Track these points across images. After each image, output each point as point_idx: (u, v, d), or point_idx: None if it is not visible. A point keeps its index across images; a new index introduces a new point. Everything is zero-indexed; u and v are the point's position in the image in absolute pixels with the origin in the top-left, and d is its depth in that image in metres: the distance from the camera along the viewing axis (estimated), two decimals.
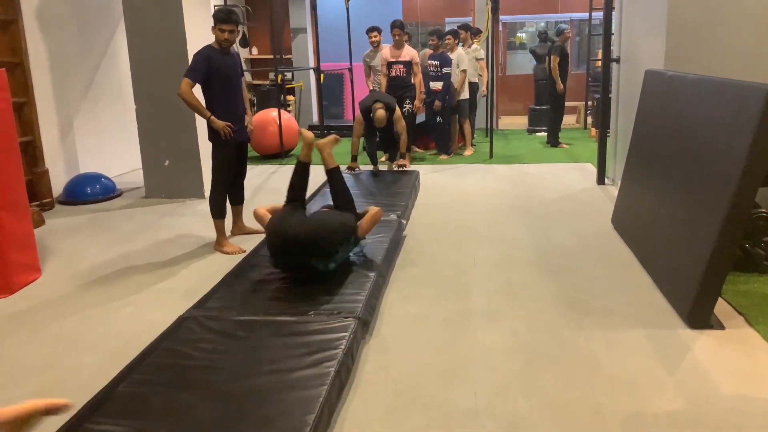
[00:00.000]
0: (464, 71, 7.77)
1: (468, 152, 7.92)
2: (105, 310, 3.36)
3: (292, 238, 3.15)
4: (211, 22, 4.16)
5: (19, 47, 5.35)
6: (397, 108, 6.08)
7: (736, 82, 2.97)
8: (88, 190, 5.86)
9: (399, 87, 7.07)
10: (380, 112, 5.83)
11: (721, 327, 2.87)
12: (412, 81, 7.11)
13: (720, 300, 3.04)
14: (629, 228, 4.18)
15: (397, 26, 6.97)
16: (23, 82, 5.38)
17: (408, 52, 7.04)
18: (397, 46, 7.04)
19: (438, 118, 7.60)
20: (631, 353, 2.70)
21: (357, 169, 6.19)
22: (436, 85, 7.44)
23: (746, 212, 2.77)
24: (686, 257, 3.05)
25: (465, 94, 7.79)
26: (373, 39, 7.47)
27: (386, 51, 7.17)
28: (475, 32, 8.92)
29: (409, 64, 7.04)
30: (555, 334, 2.92)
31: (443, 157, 7.71)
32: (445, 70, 7.48)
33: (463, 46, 8.06)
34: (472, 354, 2.75)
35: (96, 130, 6.67)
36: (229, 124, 4.12)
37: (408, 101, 7.05)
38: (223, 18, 4.10)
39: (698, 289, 2.84)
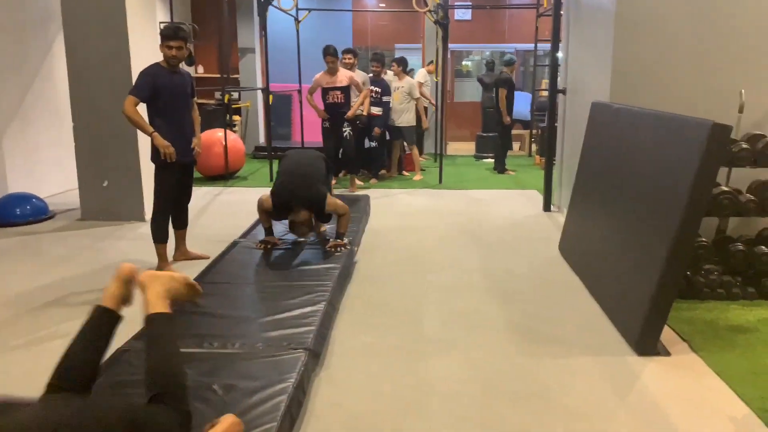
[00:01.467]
0: (418, 99, 7.89)
1: (417, 177, 7.97)
2: (34, 343, 3.12)
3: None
4: (158, 40, 4.03)
5: None
6: (329, 196, 4.26)
7: (681, 117, 3.09)
8: (18, 211, 5.50)
9: (339, 114, 6.87)
10: (303, 214, 4.10)
11: (667, 353, 2.93)
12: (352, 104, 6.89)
13: (664, 327, 3.11)
14: (576, 255, 4.25)
15: (330, 53, 6.71)
16: None
17: (344, 76, 6.82)
18: (331, 72, 6.78)
19: (373, 143, 7.64)
20: (582, 381, 2.71)
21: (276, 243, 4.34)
22: (376, 110, 7.49)
23: (692, 241, 2.85)
24: (633, 285, 3.11)
25: (412, 122, 7.88)
26: (347, 61, 7.24)
27: (320, 77, 6.88)
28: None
29: (347, 89, 6.84)
30: (508, 362, 2.90)
31: (373, 181, 7.76)
32: (385, 98, 7.59)
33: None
34: (427, 384, 2.69)
35: (27, 149, 6.32)
36: (168, 144, 3.95)
37: (347, 125, 6.92)
38: (170, 35, 3.99)
39: (646, 316, 2.89)
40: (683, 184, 2.79)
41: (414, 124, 7.96)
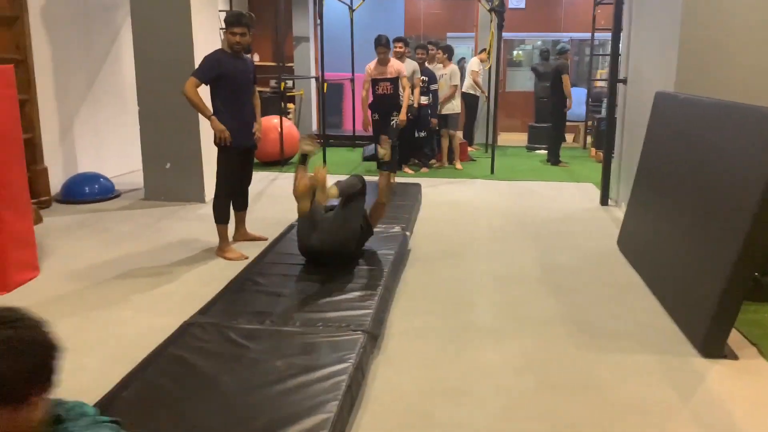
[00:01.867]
0: (455, 86, 7.85)
1: (457, 166, 7.94)
2: (104, 313, 3.28)
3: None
4: (218, 26, 4.12)
5: (24, 44, 5.27)
6: (363, 225, 3.84)
7: (755, 107, 2.96)
8: (87, 190, 5.78)
9: (388, 105, 6.75)
10: None
11: (735, 357, 2.82)
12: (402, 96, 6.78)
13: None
14: (636, 251, 4.15)
15: (382, 44, 6.59)
16: (26, 79, 5.29)
17: (394, 67, 6.71)
18: (382, 62, 6.69)
19: (422, 133, 7.65)
20: (642, 379, 2.65)
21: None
22: (424, 99, 7.51)
23: (763, 241, 2.74)
24: (699, 284, 3.01)
25: (456, 109, 7.84)
26: (398, 50, 7.07)
27: (370, 67, 6.80)
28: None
29: (395, 81, 6.71)
30: (563, 355, 2.87)
31: (424, 170, 7.75)
32: (432, 86, 7.59)
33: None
34: (480, 372, 2.69)
35: (95, 130, 6.59)
36: (224, 128, 4.03)
37: (395, 113, 6.76)
38: (233, 21, 4.09)
39: (712, 317, 2.80)
40: (757, 180, 2.68)
41: (458, 111, 7.96)
